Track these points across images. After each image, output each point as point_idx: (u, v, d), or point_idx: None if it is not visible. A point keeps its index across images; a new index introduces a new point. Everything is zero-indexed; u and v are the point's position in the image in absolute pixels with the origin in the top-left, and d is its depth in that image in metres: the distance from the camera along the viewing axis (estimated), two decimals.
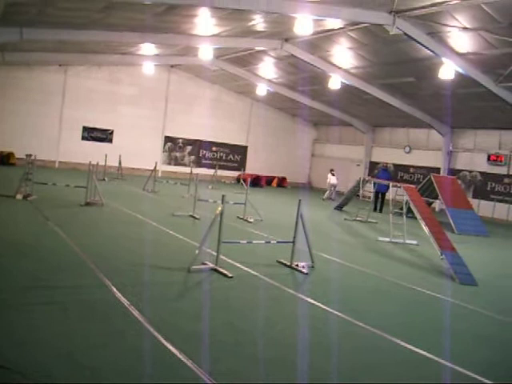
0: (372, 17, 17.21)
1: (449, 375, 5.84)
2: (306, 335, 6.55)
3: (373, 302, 8.68)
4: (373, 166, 34.25)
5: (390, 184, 17.66)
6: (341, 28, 19.44)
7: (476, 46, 18.29)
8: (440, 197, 20.88)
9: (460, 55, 19.22)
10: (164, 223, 13.89)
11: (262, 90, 30.80)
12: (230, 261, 9.89)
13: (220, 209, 9.12)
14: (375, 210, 23.28)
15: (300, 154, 37.29)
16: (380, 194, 23.68)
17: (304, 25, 17.32)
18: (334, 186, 28.72)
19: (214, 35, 22.02)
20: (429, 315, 8.21)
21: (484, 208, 26.99)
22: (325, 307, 7.75)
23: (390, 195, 18.19)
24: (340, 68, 24.30)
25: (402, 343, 6.58)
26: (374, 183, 22.18)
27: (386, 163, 28.91)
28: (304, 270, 9.86)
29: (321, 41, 21.25)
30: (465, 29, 17.02)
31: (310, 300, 8.08)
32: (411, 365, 6.08)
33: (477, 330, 7.75)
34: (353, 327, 7.07)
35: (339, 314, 7.51)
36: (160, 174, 28.87)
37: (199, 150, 34.53)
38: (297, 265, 10.06)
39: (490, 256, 15.35)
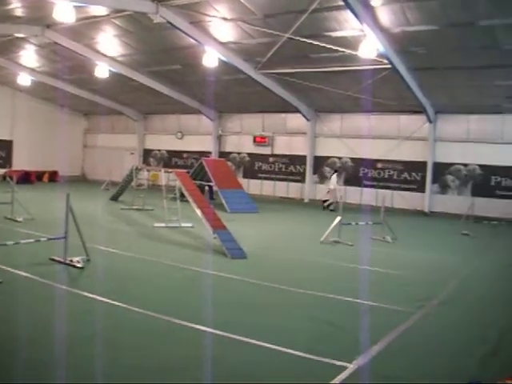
0: (135, 5, 17.22)
1: (212, 340, 6.26)
2: (82, 329, 6.45)
3: (149, 286, 8.83)
4: (147, 153, 34.42)
5: None
6: (105, 15, 19.08)
7: (236, 35, 19.37)
8: (212, 179, 21.85)
9: (222, 44, 20.19)
10: None
11: (24, 79, 28.70)
12: None
13: None
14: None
15: (71, 146, 35.67)
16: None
17: (65, 11, 16.59)
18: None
19: None
20: (202, 291, 8.61)
21: (253, 186, 29.02)
22: (101, 298, 7.71)
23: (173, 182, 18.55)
24: (106, 56, 23.89)
25: (179, 321, 6.84)
26: None
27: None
28: (79, 265, 9.63)
29: (85, 28, 20.61)
30: (225, 19, 17.90)
31: (85, 293, 7.96)
32: (181, 339, 6.37)
33: (242, 297, 8.42)
34: (130, 313, 7.15)
35: (116, 302, 7.53)
36: None
37: None
38: (71, 260, 9.78)
39: (259, 230, 16.56)
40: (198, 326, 6.70)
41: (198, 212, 13.23)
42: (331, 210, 22.42)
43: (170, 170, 17.30)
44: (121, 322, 6.81)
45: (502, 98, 21.33)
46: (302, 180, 28.22)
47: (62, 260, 9.85)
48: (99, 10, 18.60)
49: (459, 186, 24.22)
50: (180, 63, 23.59)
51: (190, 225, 15.54)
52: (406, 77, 19.65)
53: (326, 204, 23.74)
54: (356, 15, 15.17)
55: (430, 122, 24.18)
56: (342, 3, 14.67)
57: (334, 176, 24.44)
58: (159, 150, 33.99)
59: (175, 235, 14.22)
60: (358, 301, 8.36)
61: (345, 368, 5.54)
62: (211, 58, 20.44)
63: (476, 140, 23.64)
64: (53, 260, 10.02)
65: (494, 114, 23.02)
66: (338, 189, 24.28)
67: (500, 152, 23.06)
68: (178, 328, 6.68)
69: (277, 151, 29.18)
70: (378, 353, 6.13)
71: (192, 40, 19.57)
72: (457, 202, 23.42)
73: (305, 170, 28.05)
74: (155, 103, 31.08)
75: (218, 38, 19.77)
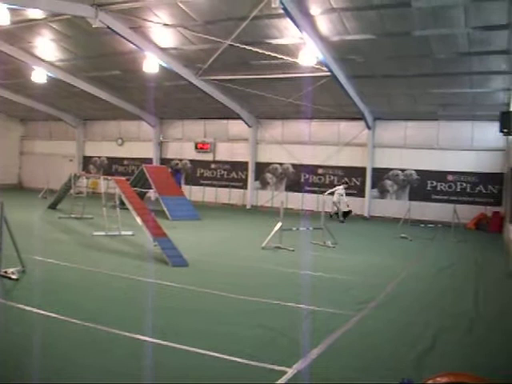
0: (73, 8, 16.84)
1: (151, 349, 6.20)
2: (18, 342, 6.24)
3: (88, 296, 8.61)
4: (86, 160, 33.75)
5: None
6: (43, 19, 18.62)
7: (176, 41, 19.29)
8: (153, 186, 21.61)
9: (162, 50, 20.07)
10: None
11: None
12: None
13: None
14: None
15: (7, 153, 34.62)
16: None
17: None
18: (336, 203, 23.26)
19: None
20: (143, 300, 8.48)
21: (195, 193, 28.89)
22: (37, 310, 7.47)
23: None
24: (44, 60, 23.27)
25: (118, 331, 6.71)
26: None
27: (177, 163, 27.16)
28: (14, 276, 9.29)
29: (21, 31, 20.02)
30: (165, 25, 17.79)
31: (20, 306, 7.68)
32: (121, 349, 6.24)
33: (183, 305, 8.33)
34: (68, 325, 6.95)
35: (53, 314, 7.31)
36: None
37: None
38: (5, 272, 9.42)
39: (201, 237, 16.45)
40: (138, 336, 6.60)
41: (138, 220, 13.04)
42: (341, 222, 22.47)
43: (109, 178, 17.00)
44: (59, 334, 6.62)
45: (436, 105, 22.10)
46: (244, 186, 28.32)
47: None
48: (36, 14, 18.13)
49: (397, 190, 24.91)
50: (120, 69, 23.26)
51: (130, 233, 15.30)
52: (345, 84, 20.06)
53: (333, 213, 23.20)
54: (295, 23, 15.38)
55: (369, 128, 24.77)
56: (282, 11, 14.84)
57: (341, 188, 23.23)
58: (99, 157, 33.40)
59: (115, 244, 13.97)
60: (300, 306, 8.45)
61: (285, 373, 5.58)
62: (151, 64, 20.27)
63: (413, 146, 24.40)
64: None
65: (430, 120, 23.84)
66: (344, 201, 23.05)
67: (435, 157, 23.89)
68: (118, 338, 6.55)
69: (219, 158, 29.20)
70: (318, 356, 6.20)
71: (132, 45, 19.37)
72: (395, 206, 24.08)
73: (247, 176, 28.17)
74: (95, 109, 30.53)
75: (159, 43, 19.64)
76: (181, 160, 30.36)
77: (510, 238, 15.10)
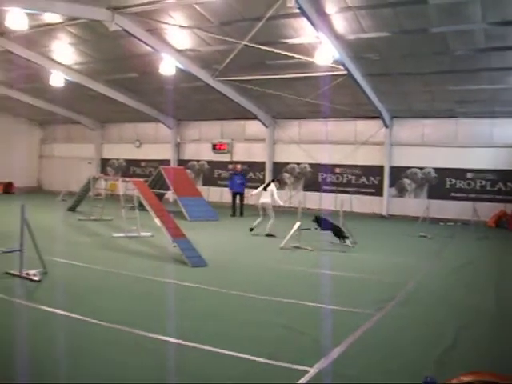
0: (90, 12, 17.04)
1: (177, 350, 6.21)
2: (42, 343, 6.31)
3: (110, 298, 8.68)
4: (104, 162, 34.01)
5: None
6: (60, 23, 18.83)
7: (192, 42, 19.39)
8: (171, 188, 21.72)
9: (179, 51, 20.19)
10: None
11: None
12: None
13: None
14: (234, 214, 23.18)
15: (27, 156, 35.04)
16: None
17: (17, 19, 16.35)
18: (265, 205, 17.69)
19: None
20: (165, 300, 8.50)
21: (213, 194, 28.92)
22: (60, 311, 7.53)
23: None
24: (62, 64, 23.55)
25: (142, 332, 6.74)
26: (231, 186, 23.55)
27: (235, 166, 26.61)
28: (36, 278, 9.39)
29: (39, 36, 20.27)
30: (181, 27, 17.89)
31: (43, 307, 7.76)
32: (146, 350, 6.24)
33: (204, 306, 8.33)
34: (91, 326, 6.99)
35: (76, 315, 7.35)
36: None
37: None
38: (27, 273, 9.54)
39: (219, 237, 16.55)
40: (162, 337, 6.62)
41: (157, 221, 13.10)
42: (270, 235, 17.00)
43: (127, 180, 17.11)
44: (82, 335, 6.65)
45: (454, 102, 21.92)
46: None
47: (17, 274, 9.60)
48: (53, 18, 18.34)
49: (415, 189, 24.75)
50: (137, 71, 23.43)
51: (149, 234, 15.38)
52: (362, 83, 20.00)
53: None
54: (311, 23, 15.38)
55: (386, 126, 24.64)
56: (297, 11, 14.83)
57: (272, 186, 17.94)
58: (117, 159, 33.65)
59: (135, 245, 14.05)
60: (320, 305, 8.44)
61: (306, 372, 5.57)
62: (168, 66, 20.39)
63: (431, 144, 24.20)
64: (9, 274, 9.76)
65: (448, 118, 23.64)
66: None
67: (454, 155, 23.69)
68: (143, 339, 6.57)
69: (236, 158, 29.21)
70: (339, 355, 6.19)
71: (148, 48, 19.51)
72: (414, 205, 23.92)
73: (264, 176, 28.16)
74: (112, 112, 30.76)
75: (175, 45, 19.75)
76: (198, 161, 30.48)
77: None
